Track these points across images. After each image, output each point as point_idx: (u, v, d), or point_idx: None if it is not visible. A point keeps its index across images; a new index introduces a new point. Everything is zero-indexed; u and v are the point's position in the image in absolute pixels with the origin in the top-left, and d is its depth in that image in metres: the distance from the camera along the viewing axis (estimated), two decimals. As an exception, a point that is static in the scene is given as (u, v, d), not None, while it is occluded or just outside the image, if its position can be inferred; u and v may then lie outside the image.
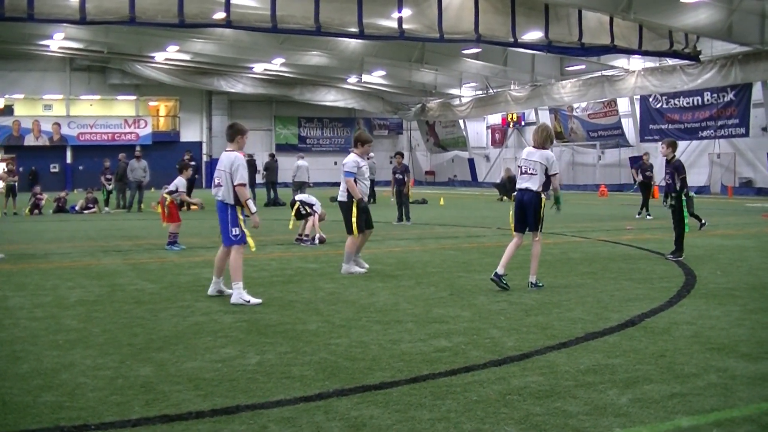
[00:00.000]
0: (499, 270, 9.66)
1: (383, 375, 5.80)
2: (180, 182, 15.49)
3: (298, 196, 16.45)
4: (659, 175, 21.53)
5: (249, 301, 8.86)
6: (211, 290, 9.46)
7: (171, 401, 5.18)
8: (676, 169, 12.62)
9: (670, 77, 38.66)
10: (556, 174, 9.77)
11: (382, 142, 65.52)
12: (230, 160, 9.25)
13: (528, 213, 9.74)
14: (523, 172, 9.77)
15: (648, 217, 21.96)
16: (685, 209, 12.65)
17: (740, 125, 37.61)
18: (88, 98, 56.85)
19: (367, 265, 11.64)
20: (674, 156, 12.89)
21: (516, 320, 7.80)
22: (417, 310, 8.38)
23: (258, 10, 28.45)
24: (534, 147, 9.85)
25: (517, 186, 9.86)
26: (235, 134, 9.57)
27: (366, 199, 11.56)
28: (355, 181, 11.22)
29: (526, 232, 9.96)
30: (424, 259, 13.15)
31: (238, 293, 8.95)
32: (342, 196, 11.38)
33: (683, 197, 12.58)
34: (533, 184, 9.66)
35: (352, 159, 11.35)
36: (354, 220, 11.18)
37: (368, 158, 12.56)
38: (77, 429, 4.69)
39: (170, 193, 15.26)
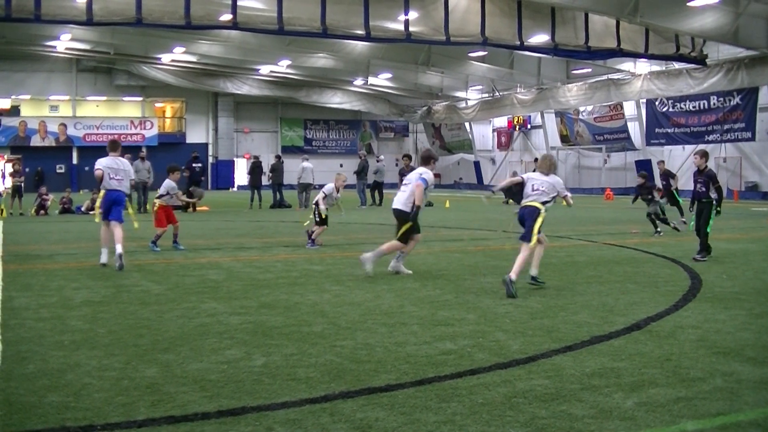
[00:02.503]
0: (534, 271, 10.11)
1: (389, 377, 5.80)
2: (169, 185, 15.49)
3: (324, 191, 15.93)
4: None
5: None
6: (106, 258, 12.11)
7: (177, 402, 5.19)
8: (710, 177, 13.30)
9: (676, 81, 38.60)
10: (567, 195, 10.38)
11: (388, 145, 65.61)
12: (127, 166, 12.63)
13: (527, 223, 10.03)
14: (534, 189, 10.14)
15: (681, 223, 21.86)
16: (713, 213, 13.33)
17: (746, 129, 37.53)
18: (94, 99, 56.90)
19: (409, 271, 11.59)
20: (707, 166, 13.55)
21: (521, 323, 7.79)
22: (422, 313, 8.38)
23: (264, 12, 28.49)
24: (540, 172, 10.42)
25: (525, 201, 10.20)
26: (116, 147, 12.60)
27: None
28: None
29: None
30: (429, 261, 13.14)
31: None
32: (400, 204, 11.43)
33: (714, 204, 13.34)
34: (540, 199, 10.06)
35: (430, 173, 11.50)
36: (405, 228, 11.25)
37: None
38: (83, 429, 4.70)
39: (160, 197, 15.26)
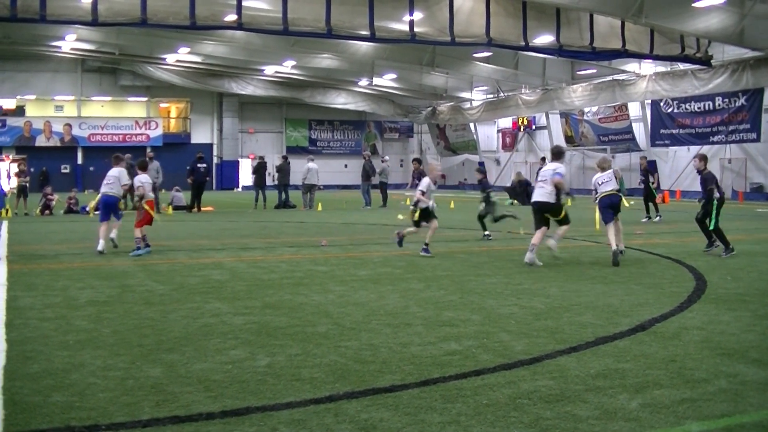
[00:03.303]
0: (621, 246, 13.09)
1: (393, 378, 5.80)
2: (144, 179, 14.79)
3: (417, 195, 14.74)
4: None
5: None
6: (102, 246, 14.15)
7: (181, 402, 5.20)
8: (705, 180, 14.26)
9: (681, 82, 38.51)
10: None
11: (392, 146, 65.58)
12: (118, 174, 14.82)
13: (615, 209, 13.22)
14: (603, 182, 13.30)
15: (644, 220, 22.46)
16: (713, 212, 13.99)
17: (751, 130, 37.43)
18: (99, 99, 56.96)
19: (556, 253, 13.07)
20: (705, 168, 14.53)
21: (526, 324, 7.79)
22: (427, 313, 8.38)
23: (269, 13, 28.45)
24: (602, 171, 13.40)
25: (603, 191, 13.29)
26: (117, 161, 15.15)
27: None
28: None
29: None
30: (434, 262, 13.14)
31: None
32: (551, 198, 12.67)
33: (714, 203, 14.05)
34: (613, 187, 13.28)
35: (563, 167, 13.00)
36: (562, 216, 12.88)
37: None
38: (88, 429, 4.72)
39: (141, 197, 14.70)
